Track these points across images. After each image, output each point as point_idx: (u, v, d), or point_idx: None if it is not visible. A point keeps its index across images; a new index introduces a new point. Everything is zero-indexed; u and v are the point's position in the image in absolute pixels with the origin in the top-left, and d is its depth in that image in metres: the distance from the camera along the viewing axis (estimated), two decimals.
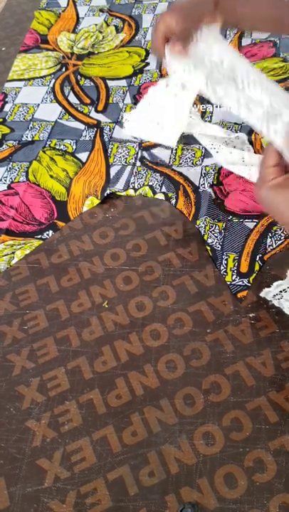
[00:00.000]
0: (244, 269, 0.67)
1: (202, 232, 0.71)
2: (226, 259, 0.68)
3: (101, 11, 1.17)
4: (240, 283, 0.66)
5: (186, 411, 0.56)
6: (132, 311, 0.65)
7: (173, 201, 0.76)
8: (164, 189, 0.78)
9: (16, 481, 0.53)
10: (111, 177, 0.81)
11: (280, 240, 0.69)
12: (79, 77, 1.01)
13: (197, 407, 0.56)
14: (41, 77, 1.03)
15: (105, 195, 0.78)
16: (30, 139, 0.90)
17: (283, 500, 0.50)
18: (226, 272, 0.67)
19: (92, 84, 0.99)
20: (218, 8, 0.63)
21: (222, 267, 0.67)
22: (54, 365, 0.61)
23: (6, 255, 0.73)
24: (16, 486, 0.53)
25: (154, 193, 0.78)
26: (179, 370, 0.59)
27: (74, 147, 0.88)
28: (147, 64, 1.02)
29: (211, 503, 0.50)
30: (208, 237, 0.71)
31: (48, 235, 0.75)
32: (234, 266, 0.67)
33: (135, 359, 0.61)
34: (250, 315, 0.62)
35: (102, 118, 0.92)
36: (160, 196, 0.77)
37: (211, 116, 0.89)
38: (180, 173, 0.80)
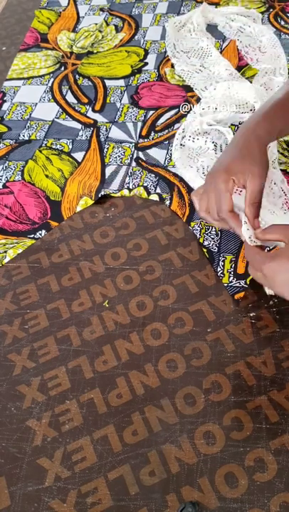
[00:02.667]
0: (241, 270, 0.67)
1: (198, 235, 0.72)
2: (223, 261, 0.68)
3: (101, 10, 1.17)
4: (238, 284, 0.66)
5: (186, 410, 0.56)
6: (132, 311, 0.65)
7: (167, 202, 0.76)
8: (158, 190, 0.78)
9: (17, 480, 0.53)
10: (106, 177, 0.81)
11: None
12: (77, 76, 1.01)
13: (198, 406, 0.56)
14: (40, 76, 1.03)
15: (99, 196, 0.78)
16: (27, 138, 0.90)
17: (284, 499, 0.50)
18: (222, 273, 0.67)
19: (90, 83, 0.99)
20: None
21: (219, 269, 0.67)
22: (55, 364, 0.61)
23: None
24: (16, 485, 0.53)
25: (149, 193, 0.78)
26: (179, 370, 0.59)
27: (70, 147, 0.88)
28: (146, 64, 1.02)
29: (212, 502, 0.50)
30: (204, 240, 0.71)
31: (40, 234, 0.75)
32: (231, 267, 0.67)
33: (136, 358, 0.61)
34: (251, 314, 0.62)
35: (98, 118, 0.92)
36: (154, 197, 0.77)
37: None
38: (175, 174, 0.80)
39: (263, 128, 0.65)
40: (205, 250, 0.70)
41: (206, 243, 0.70)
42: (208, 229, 0.71)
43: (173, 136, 0.86)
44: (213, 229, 0.72)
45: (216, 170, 0.64)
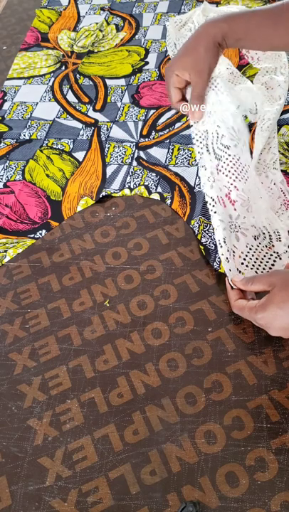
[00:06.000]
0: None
1: (196, 231, 0.71)
2: (220, 257, 0.68)
3: (102, 9, 1.17)
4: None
5: (187, 409, 0.56)
6: (133, 310, 0.65)
7: (168, 201, 0.76)
8: (159, 189, 0.78)
9: (18, 479, 0.53)
10: (107, 176, 0.81)
11: None
12: (78, 75, 1.01)
13: (199, 405, 0.56)
14: (41, 76, 1.03)
15: (100, 196, 0.78)
16: (27, 138, 0.90)
17: (285, 498, 0.50)
18: (218, 267, 0.67)
19: (91, 83, 0.99)
20: (223, 51, 0.67)
21: (215, 264, 0.67)
22: (56, 363, 0.61)
23: None
24: (17, 484, 0.53)
25: (150, 192, 0.78)
26: (180, 369, 0.59)
27: (71, 146, 0.88)
28: (146, 63, 1.02)
29: (213, 501, 0.50)
30: (201, 237, 0.71)
31: (40, 234, 0.75)
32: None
33: (137, 358, 0.61)
34: None
35: (99, 117, 0.92)
36: (155, 196, 0.77)
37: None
38: (176, 173, 0.80)
39: (219, 28, 0.65)
40: (202, 247, 0.70)
41: (203, 240, 0.70)
42: (206, 226, 0.71)
43: (173, 135, 0.86)
44: (211, 226, 0.71)
45: (167, 67, 0.69)
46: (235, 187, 0.72)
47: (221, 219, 0.68)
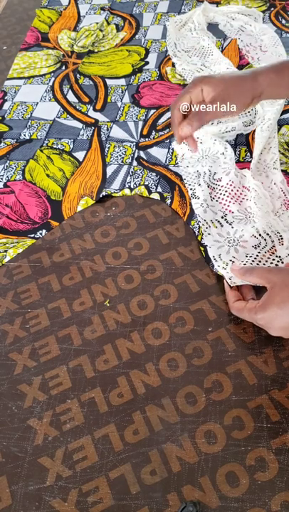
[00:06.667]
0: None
1: (196, 231, 0.71)
2: (216, 268, 0.68)
3: (102, 9, 1.17)
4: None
5: (187, 409, 0.56)
6: (133, 310, 0.65)
7: (168, 201, 0.76)
8: (159, 189, 0.78)
9: (18, 479, 0.53)
10: (107, 176, 0.81)
11: None
12: (78, 75, 1.01)
13: (199, 405, 0.56)
14: (41, 76, 1.03)
15: (100, 196, 0.78)
16: (28, 138, 0.90)
17: (285, 498, 0.50)
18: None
19: (91, 82, 0.99)
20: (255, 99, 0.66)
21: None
22: (56, 363, 0.61)
23: None
24: (17, 484, 0.53)
25: (150, 192, 0.78)
26: (180, 369, 0.59)
27: (71, 146, 0.88)
28: (147, 63, 1.02)
29: (213, 501, 0.50)
30: (202, 238, 0.71)
31: (41, 234, 0.75)
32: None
33: (137, 357, 0.61)
34: None
35: (100, 117, 0.92)
36: (155, 196, 0.77)
37: None
38: (176, 173, 0.80)
39: (269, 79, 0.66)
40: (202, 249, 0.70)
41: (203, 241, 0.70)
42: (207, 228, 0.71)
43: (174, 135, 0.86)
44: (211, 228, 0.71)
45: (205, 75, 0.66)
46: (230, 211, 0.72)
47: (216, 239, 0.69)
